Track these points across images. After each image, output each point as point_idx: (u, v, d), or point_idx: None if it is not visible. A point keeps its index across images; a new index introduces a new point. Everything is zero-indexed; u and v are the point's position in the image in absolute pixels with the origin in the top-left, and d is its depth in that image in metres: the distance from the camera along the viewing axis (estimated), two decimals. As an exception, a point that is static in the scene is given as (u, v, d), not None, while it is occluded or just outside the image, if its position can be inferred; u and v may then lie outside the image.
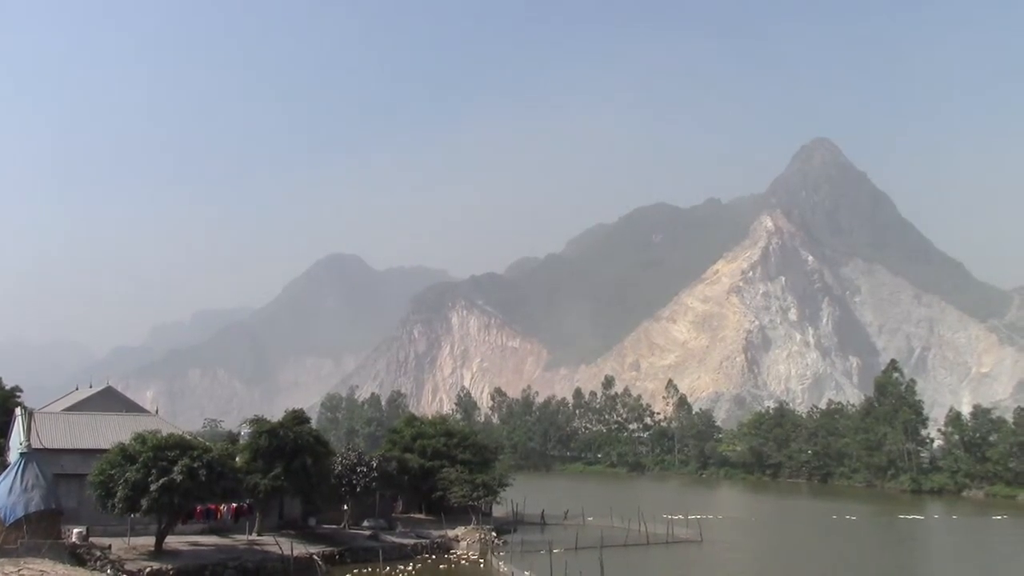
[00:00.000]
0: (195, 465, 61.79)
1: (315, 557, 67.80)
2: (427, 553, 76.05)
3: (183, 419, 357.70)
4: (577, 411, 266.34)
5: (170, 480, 60.51)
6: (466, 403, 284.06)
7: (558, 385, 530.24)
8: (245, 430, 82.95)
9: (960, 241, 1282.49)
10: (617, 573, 66.60)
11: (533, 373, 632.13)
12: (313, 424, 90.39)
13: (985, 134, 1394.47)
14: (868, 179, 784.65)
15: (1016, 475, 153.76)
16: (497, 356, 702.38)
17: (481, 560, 75.02)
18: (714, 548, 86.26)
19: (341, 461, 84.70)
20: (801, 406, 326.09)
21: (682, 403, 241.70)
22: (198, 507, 71.03)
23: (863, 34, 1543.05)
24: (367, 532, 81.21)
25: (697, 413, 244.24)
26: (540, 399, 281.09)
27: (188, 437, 68.18)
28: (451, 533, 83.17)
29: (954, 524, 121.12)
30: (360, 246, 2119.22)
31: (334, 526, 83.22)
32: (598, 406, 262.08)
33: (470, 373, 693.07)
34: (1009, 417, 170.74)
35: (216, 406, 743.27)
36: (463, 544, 79.98)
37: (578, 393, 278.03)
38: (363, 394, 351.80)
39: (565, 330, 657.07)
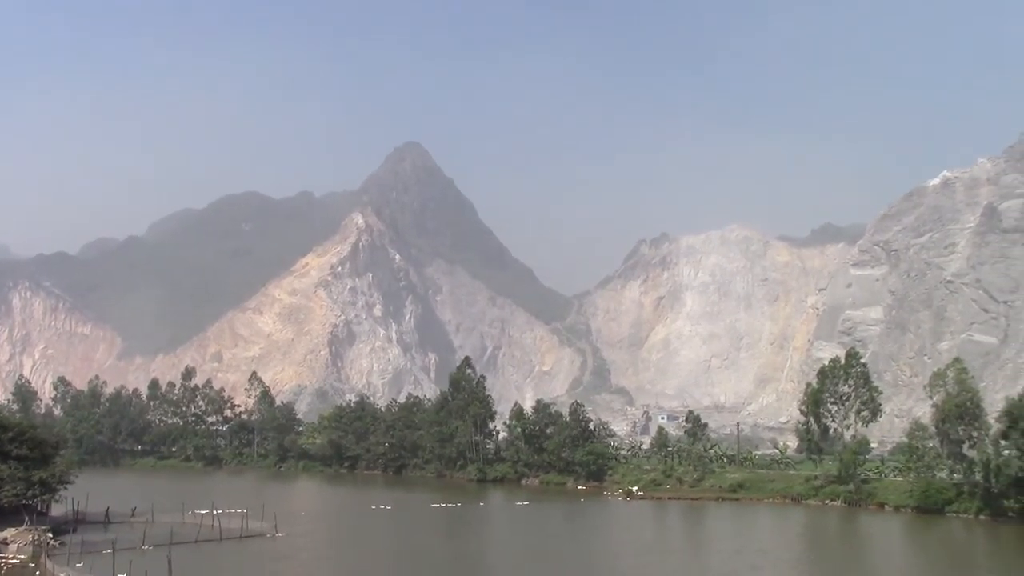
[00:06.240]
0: None
1: None
2: (-33, 559, 69.29)
3: None
4: (152, 403, 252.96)
5: None
6: (24, 393, 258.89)
7: (132, 375, 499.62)
8: None
9: (531, 250, 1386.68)
10: (186, 570, 65.05)
11: (105, 362, 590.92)
12: None
13: (553, 157, 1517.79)
14: (454, 185, 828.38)
15: (567, 464, 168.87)
16: (64, 343, 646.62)
17: (33, 563, 69.89)
18: (288, 540, 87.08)
19: None
20: (381, 400, 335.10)
21: (265, 396, 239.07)
22: None
23: (454, 47, 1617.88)
24: None
25: (279, 406, 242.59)
26: (111, 389, 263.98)
27: None
28: (-1, 536, 76.40)
29: (480, 510, 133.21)
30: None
31: None
32: (176, 398, 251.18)
33: (32, 361, 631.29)
34: (565, 411, 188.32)
35: None
36: (12, 547, 74.05)
37: (155, 384, 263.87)
38: None
39: (143, 318, 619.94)
